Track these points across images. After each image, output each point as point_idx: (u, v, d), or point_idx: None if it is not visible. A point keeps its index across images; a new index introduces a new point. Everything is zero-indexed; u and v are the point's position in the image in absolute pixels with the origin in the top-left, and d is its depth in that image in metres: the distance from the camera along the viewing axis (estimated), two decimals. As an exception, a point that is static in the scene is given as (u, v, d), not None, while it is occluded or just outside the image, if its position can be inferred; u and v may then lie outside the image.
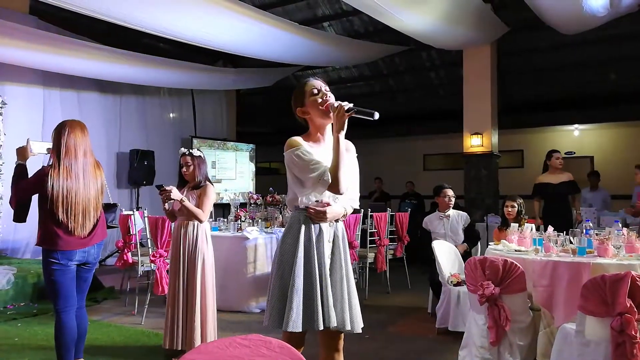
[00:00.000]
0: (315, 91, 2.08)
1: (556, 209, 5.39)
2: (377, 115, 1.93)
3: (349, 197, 2.15)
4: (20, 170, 2.79)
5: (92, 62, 6.56)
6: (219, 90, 10.01)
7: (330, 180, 1.97)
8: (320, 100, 2.07)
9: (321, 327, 1.97)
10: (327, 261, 2.07)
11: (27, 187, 2.72)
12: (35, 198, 2.74)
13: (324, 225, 2.08)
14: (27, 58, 6.23)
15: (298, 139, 2.09)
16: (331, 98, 2.07)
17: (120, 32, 6.31)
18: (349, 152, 2.13)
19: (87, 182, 2.74)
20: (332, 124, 2.06)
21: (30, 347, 3.69)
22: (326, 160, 2.02)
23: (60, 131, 2.74)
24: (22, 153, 2.84)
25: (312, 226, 2.06)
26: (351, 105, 1.97)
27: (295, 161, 2.02)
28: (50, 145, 2.84)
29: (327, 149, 2.08)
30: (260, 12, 5.95)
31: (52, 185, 2.62)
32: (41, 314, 4.61)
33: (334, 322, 1.99)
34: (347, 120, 1.97)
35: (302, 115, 2.14)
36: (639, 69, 7.95)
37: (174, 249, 3.42)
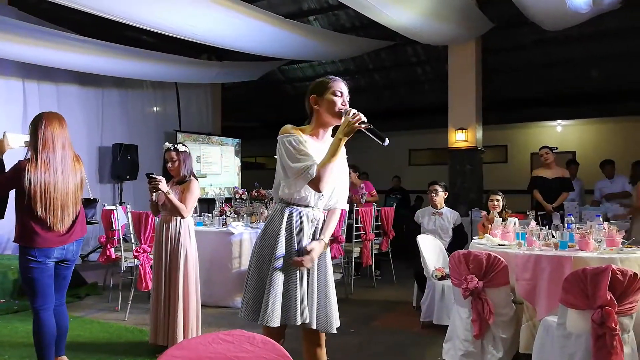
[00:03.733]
0: (339, 93, 2.06)
1: (549, 203, 5.50)
2: (387, 142, 1.93)
3: (340, 198, 2.15)
4: None
5: (73, 54, 6.43)
6: (204, 84, 9.91)
7: (314, 176, 1.94)
8: (339, 104, 2.04)
9: (298, 322, 1.97)
10: None
11: (3, 182, 2.63)
12: (12, 193, 2.66)
13: (306, 221, 2.06)
14: (6, 50, 6.08)
15: (294, 127, 2.06)
16: (352, 109, 2.04)
17: (102, 24, 6.19)
18: (342, 156, 2.13)
19: (66, 176, 2.66)
20: (334, 126, 2.07)
21: (11, 344, 3.62)
22: (317, 157, 1.99)
23: (37, 124, 2.65)
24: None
25: (294, 220, 2.04)
26: (367, 122, 1.96)
27: (286, 147, 1.99)
28: (28, 138, 2.75)
29: (323, 147, 2.05)
30: (245, 5, 5.89)
31: (30, 180, 2.54)
32: (22, 311, 4.52)
33: (306, 319, 1.99)
34: (354, 131, 1.96)
35: (313, 104, 2.10)
36: (621, 66, 8.08)
37: (157, 245, 3.38)
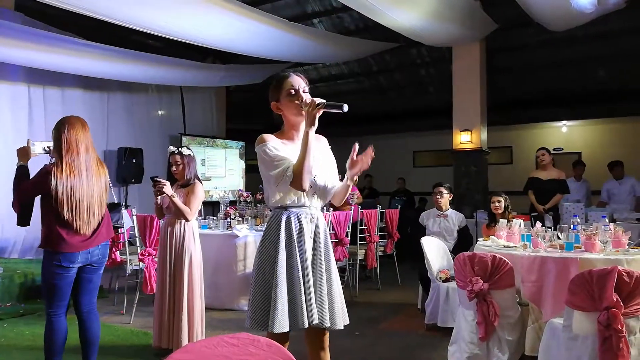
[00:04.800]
0: (293, 92, 2.04)
1: (542, 204, 5.49)
2: (346, 108, 1.91)
3: (328, 180, 2.10)
4: (21, 171, 2.70)
5: (78, 59, 6.47)
6: (208, 87, 9.94)
7: (292, 176, 1.94)
8: (295, 102, 2.02)
9: (306, 325, 1.95)
10: (309, 258, 2.04)
11: (29, 188, 2.64)
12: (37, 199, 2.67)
13: (305, 222, 2.05)
14: (12, 55, 6.13)
15: (268, 135, 2.06)
16: (306, 96, 2.02)
17: (107, 28, 6.24)
18: (319, 143, 2.11)
19: (91, 179, 2.68)
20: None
21: (17, 347, 3.64)
22: (295, 158, 1.98)
23: (60, 128, 2.67)
24: (24, 154, 2.75)
25: (293, 223, 2.03)
26: (323, 100, 1.94)
27: (262, 157, 2.01)
28: (49, 144, 2.77)
29: (299, 148, 2.02)
30: (250, 8, 5.91)
31: (56, 184, 2.55)
32: (28, 314, 4.56)
33: (316, 319, 1.97)
34: (317, 116, 1.94)
35: (275, 110, 2.11)
36: (627, 66, 8.04)
37: (161, 248, 3.39)
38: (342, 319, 2.06)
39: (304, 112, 1.98)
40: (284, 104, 2.07)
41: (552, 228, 3.44)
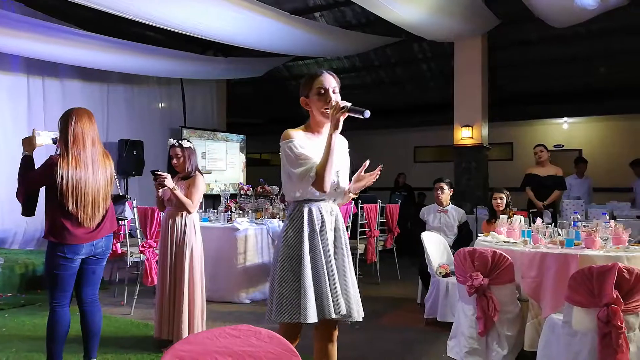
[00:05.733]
0: (322, 91, 2.05)
1: (540, 201, 5.50)
2: (368, 114, 1.93)
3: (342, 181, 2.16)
4: (26, 161, 2.68)
5: (78, 50, 6.45)
6: (209, 80, 9.91)
7: (315, 177, 1.97)
8: (323, 102, 2.05)
9: (333, 315, 1.98)
10: (332, 250, 2.07)
11: (35, 178, 2.63)
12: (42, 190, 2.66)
13: (326, 215, 2.08)
14: (12, 45, 6.11)
15: (294, 131, 2.08)
16: (335, 98, 2.05)
17: (108, 20, 6.21)
18: (342, 142, 2.15)
19: (97, 172, 2.67)
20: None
21: (18, 337, 3.66)
22: (319, 155, 2.01)
23: (67, 119, 2.66)
24: (29, 144, 2.72)
25: (315, 215, 2.06)
26: (348, 104, 1.97)
27: (287, 153, 2.03)
28: (55, 134, 2.76)
29: (323, 143, 2.06)
30: (251, 1, 5.88)
31: (62, 176, 2.55)
32: (29, 304, 4.57)
33: (343, 310, 2.00)
34: (342, 120, 1.97)
35: (304, 105, 2.13)
36: (628, 63, 8.02)
37: (163, 240, 3.40)
38: (361, 310, 2.11)
39: (329, 115, 2.00)
40: (312, 101, 2.09)
41: (551, 224, 3.44)
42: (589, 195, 6.98)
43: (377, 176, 2.12)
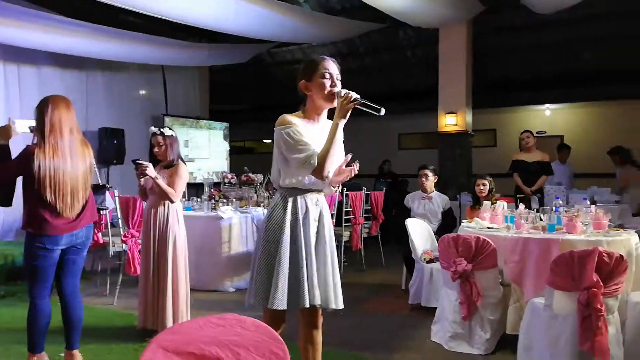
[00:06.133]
0: (327, 75, 2.04)
1: (527, 186, 5.55)
2: (383, 112, 1.93)
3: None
4: (2, 151, 2.60)
5: (55, 36, 6.26)
6: (191, 67, 9.75)
7: (316, 164, 1.96)
8: (327, 86, 2.03)
9: (307, 305, 1.98)
10: (313, 240, 2.07)
11: (10, 168, 2.56)
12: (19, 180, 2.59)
13: (310, 204, 2.08)
14: (-13, 30, 5.91)
15: (292, 117, 2.05)
16: (338, 86, 2.05)
17: (86, 5, 6.03)
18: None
19: (75, 161, 2.61)
20: (329, 109, 2.06)
21: (-2, 330, 3.59)
22: (316, 142, 2.00)
23: (43, 108, 2.58)
24: (4, 133, 2.63)
25: (299, 204, 2.06)
26: (358, 96, 1.96)
27: (285, 139, 2.00)
28: (32, 123, 2.67)
29: (320, 130, 2.07)
30: (234, -15, 5.78)
31: (39, 165, 2.48)
32: (9, 296, 4.49)
33: (318, 300, 2.01)
34: (350, 111, 1.97)
35: (304, 89, 2.09)
36: (611, 49, 8.10)
37: (145, 229, 3.36)
38: (341, 300, 2.11)
39: (336, 103, 1.99)
40: (315, 85, 2.05)
41: (539, 210, 3.48)
42: (570, 181, 7.08)
43: (355, 172, 2.11)
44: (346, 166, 2.11)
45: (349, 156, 2.11)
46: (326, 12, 8.02)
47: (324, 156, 1.97)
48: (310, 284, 2.00)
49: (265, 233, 2.07)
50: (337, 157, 2.06)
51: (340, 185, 2.29)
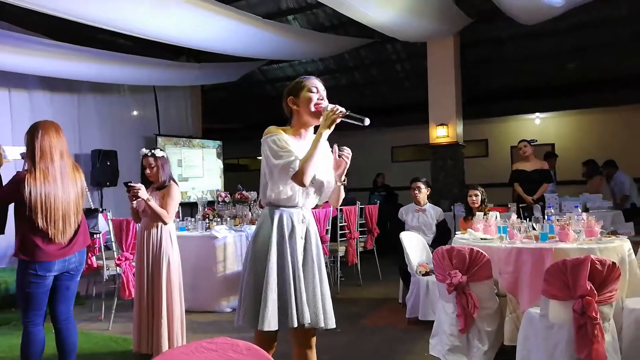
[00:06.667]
0: (314, 89, 2.09)
1: (528, 195, 5.57)
2: (367, 122, 1.95)
3: (327, 181, 2.16)
4: None
5: (45, 60, 6.28)
6: (183, 87, 9.80)
7: (296, 169, 1.96)
8: (315, 99, 2.07)
9: (295, 325, 1.97)
10: (300, 258, 2.06)
11: (3, 195, 2.56)
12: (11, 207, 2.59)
13: (297, 222, 2.08)
14: (-25, 57, 5.92)
15: (278, 128, 2.08)
16: (324, 102, 2.09)
17: (75, 28, 6.07)
18: (326, 149, 2.15)
19: (66, 186, 2.60)
20: (316, 126, 2.10)
21: (-9, 359, 3.54)
22: (301, 155, 2.01)
23: (33, 133, 2.59)
24: None
25: (285, 223, 2.06)
26: (343, 109, 1.99)
27: (270, 145, 2.02)
28: (23, 149, 2.67)
29: (306, 146, 2.07)
30: (223, 6, 5.84)
31: (30, 191, 2.48)
32: (3, 324, 4.42)
33: (307, 319, 1.99)
34: (336, 122, 2.00)
35: (291, 104, 2.12)
36: (596, 58, 8.23)
37: (139, 252, 3.34)
38: (332, 319, 2.09)
39: (322, 114, 2.02)
40: (302, 100, 2.09)
41: (543, 218, 3.48)
42: (554, 188, 7.14)
43: (350, 154, 2.14)
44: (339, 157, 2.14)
45: (335, 146, 2.13)
46: (315, 29, 8.13)
47: (305, 162, 1.97)
48: (298, 303, 1.99)
49: (252, 253, 2.07)
50: (321, 167, 2.07)
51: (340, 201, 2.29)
